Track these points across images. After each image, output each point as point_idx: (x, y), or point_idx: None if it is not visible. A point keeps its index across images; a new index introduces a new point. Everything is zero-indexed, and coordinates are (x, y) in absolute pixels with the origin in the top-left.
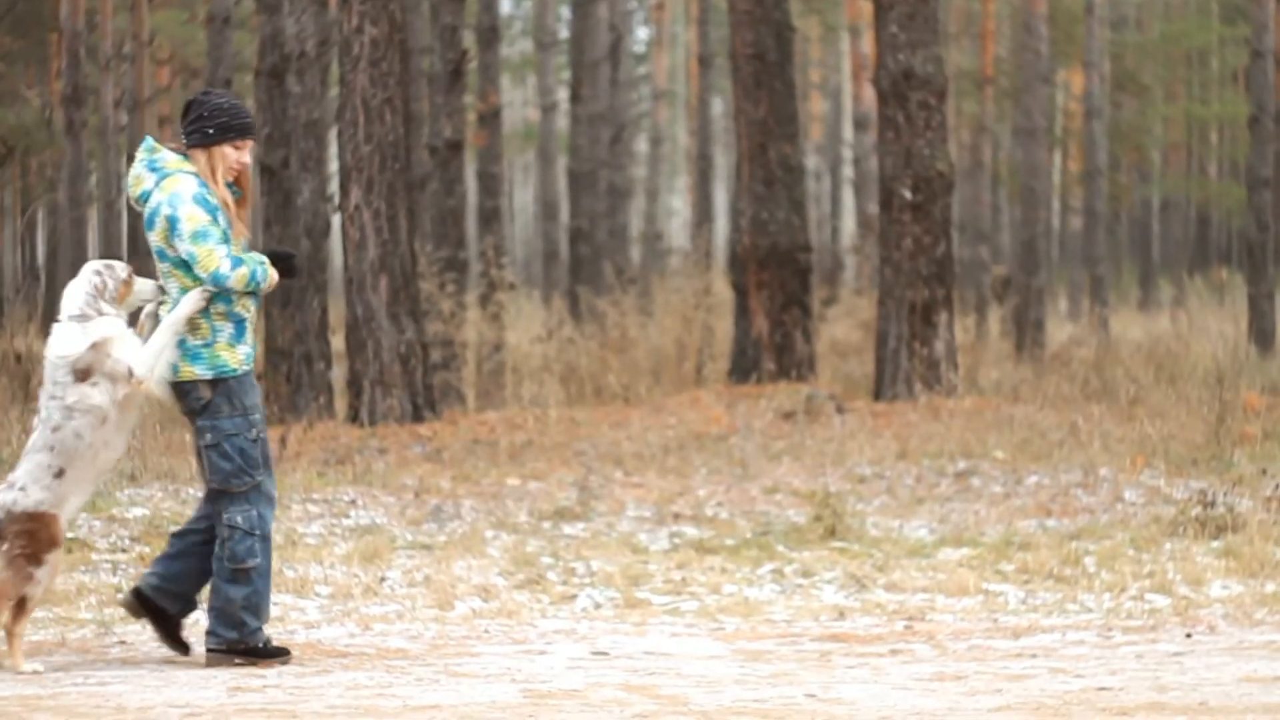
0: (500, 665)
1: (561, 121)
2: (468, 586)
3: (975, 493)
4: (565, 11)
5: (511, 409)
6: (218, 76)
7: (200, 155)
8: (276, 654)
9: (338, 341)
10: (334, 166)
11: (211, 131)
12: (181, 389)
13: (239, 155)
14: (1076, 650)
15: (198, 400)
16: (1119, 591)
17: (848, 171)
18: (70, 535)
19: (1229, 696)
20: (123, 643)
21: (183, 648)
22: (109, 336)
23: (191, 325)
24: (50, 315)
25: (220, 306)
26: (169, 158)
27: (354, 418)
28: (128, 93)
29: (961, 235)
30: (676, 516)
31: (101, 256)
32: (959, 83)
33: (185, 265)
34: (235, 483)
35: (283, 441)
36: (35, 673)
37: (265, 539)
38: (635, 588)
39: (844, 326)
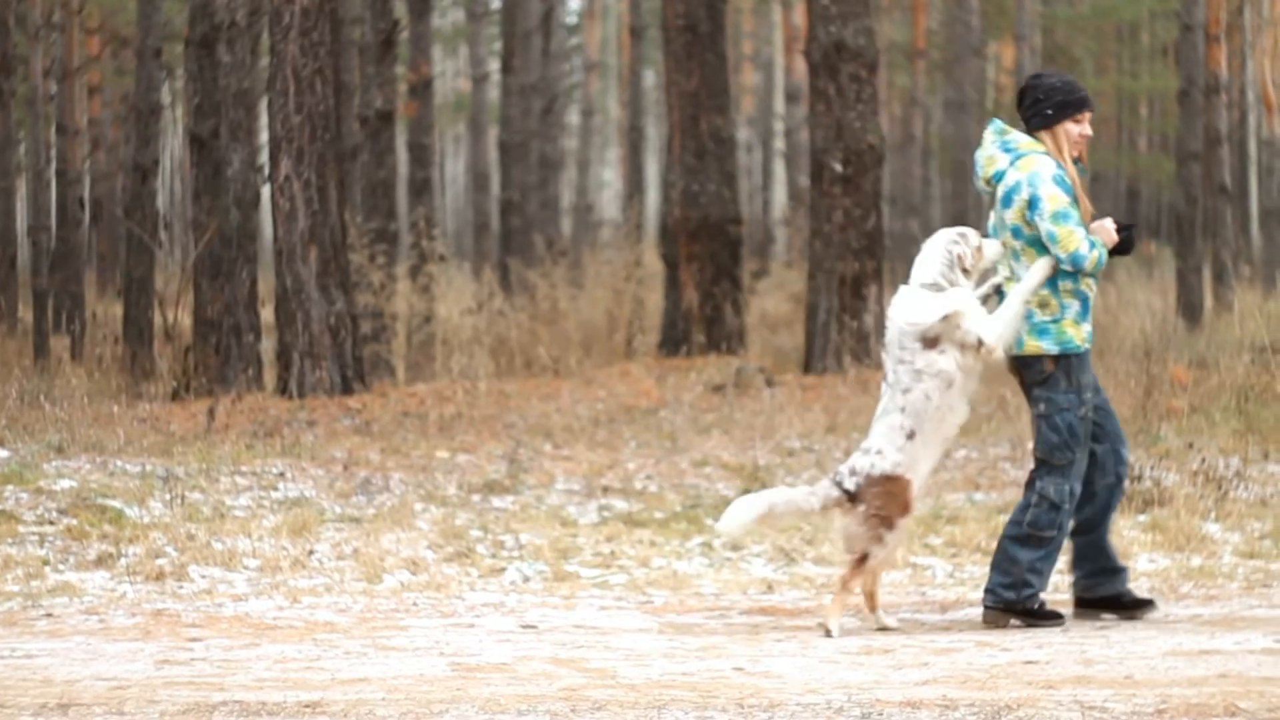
0: (429, 638)
1: (493, 92)
2: (396, 559)
3: None
4: None
5: (441, 381)
6: (147, 45)
7: (1045, 136)
8: (1051, 617)
9: (267, 313)
10: (264, 137)
11: (1050, 112)
12: (1025, 361)
13: (1080, 129)
14: None
15: (1040, 373)
16: None
17: (779, 144)
18: None
19: (1154, 670)
20: (49, 615)
21: (1147, 604)
22: (960, 310)
23: (1041, 301)
24: None
25: (1068, 284)
26: (1020, 139)
27: (283, 390)
28: (57, 62)
29: (892, 208)
30: (605, 490)
31: (29, 227)
32: (890, 55)
33: (1039, 243)
34: (1058, 456)
35: (211, 414)
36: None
37: (1069, 514)
38: (564, 561)
39: (774, 299)
